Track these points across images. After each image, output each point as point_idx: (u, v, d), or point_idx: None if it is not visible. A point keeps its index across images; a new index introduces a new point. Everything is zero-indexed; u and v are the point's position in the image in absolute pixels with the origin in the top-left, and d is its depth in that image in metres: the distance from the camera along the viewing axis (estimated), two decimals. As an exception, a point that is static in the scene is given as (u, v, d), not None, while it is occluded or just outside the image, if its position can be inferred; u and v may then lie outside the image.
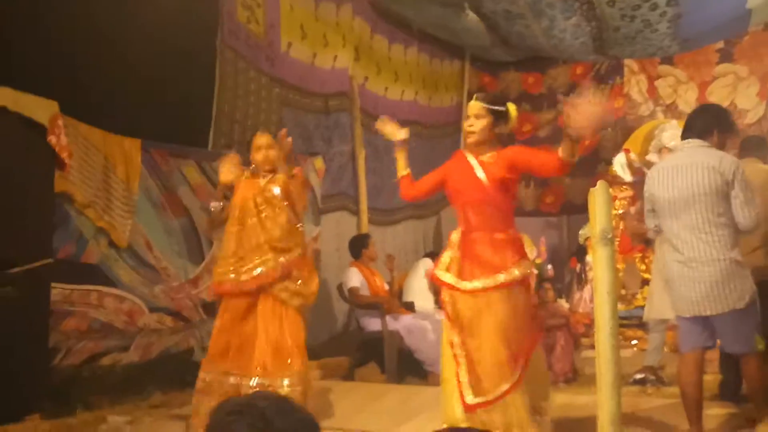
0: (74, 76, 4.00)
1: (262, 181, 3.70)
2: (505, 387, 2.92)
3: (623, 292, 5.96)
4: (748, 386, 3.27)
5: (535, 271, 3.86)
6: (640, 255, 6.04)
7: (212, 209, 3.77)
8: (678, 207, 3.13)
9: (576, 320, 5.51)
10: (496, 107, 3.15)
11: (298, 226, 3.72)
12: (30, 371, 3.68)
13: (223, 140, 5.19)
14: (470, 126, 3.13)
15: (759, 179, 3.57)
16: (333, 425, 3.68)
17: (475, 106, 3.15)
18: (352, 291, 5.47)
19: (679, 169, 3.16)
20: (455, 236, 3.20)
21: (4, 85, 3.62)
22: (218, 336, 3.62)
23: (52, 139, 3.82)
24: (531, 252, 6.47)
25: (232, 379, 3.52)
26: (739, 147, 4.12)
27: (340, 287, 5.68)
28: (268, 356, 3.48)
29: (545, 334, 4.68)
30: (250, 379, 3.50)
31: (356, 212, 6.67)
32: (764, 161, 4.00)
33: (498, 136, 3.19)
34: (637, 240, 5.87)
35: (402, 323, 5.29)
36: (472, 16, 6.98)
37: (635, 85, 7.95)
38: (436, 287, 4.93)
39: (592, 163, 7.74)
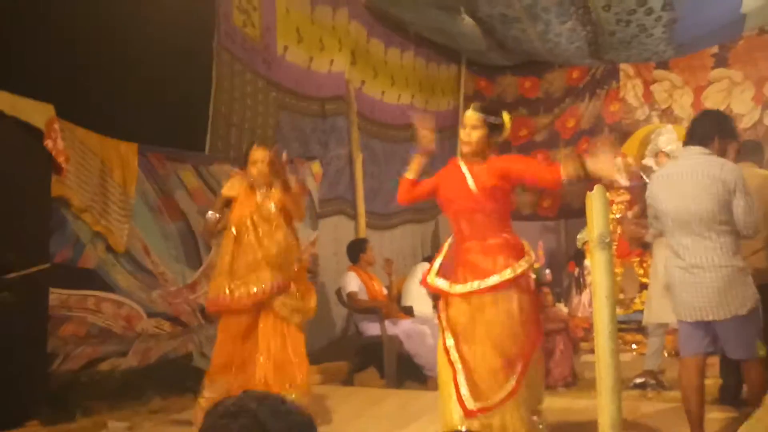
0: (71, 80, 3.99)
1: (258, 198, 3.69)
2: (503, 394, 2.92)
3: (622, 296, 5.97)
4: (749, 391, 3.28)
5: (533, 275, 3.86)
6: (638, 259, 6.05)
7: (207, 219, 3.76)
8: (680, 214, 3.13)
9: (575, 324, 5.52)
10: (493, 118, 3.15)
11: (294, 243, 3.71)
12: (28, 377, 3.66)
13: (219, 144, 5.18)
14: (467, 136, 3.14)
15: (754, 183, 3.58)
16: (332, 430, 3.67)
17: (472, 117, 3.15)
18: (351, 295, 5.45)
19: (681, 176, 3.17)
20: (448, 244, 3.20)
21: (1, 89, 3.60)
22: (219, 354, 3.62)
23: (48, 143, 3.81)
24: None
25: None
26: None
27: (338, 292, 5.67)
28: (270, 372, 3.48)
29: (544, 339, 4.67)
30: None
31: (354, 216, 6.66)
32: (760, 165, 4.02)
33: (493, 145, 3.19)
34: (635, 244, 5.89)
35: (401, 328, 5.28)
36: (468, 20, 6.98)
37: (631, 90, 7.97)
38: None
39: (589, 168, 7.74)
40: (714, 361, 3.92)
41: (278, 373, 3.49)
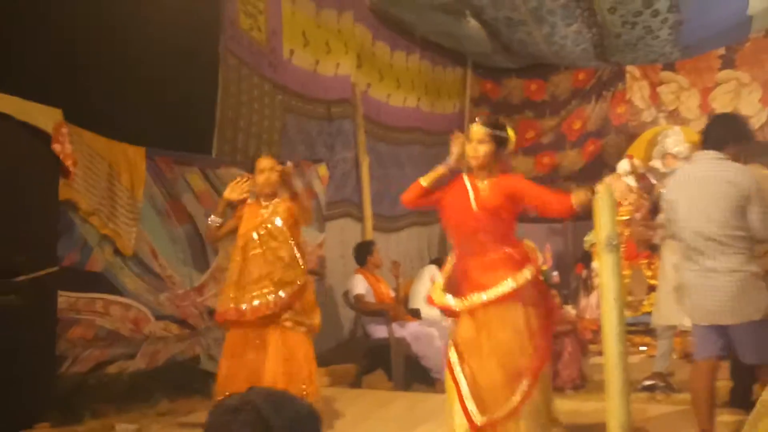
0: (78, 85, 4.01)
1: (264, 212, 3.70)
2: (509, 408, 2.90)
3: (630, 298, 5.94)
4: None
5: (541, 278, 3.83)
6: (646, 261, 6.03)
7: (209, 224, 3.77)
8: (695, 219, 3.13)
9: (583, 326, 5.49)
10: (499, 132, 3.13)
11: (300, 260, 3.71)
12: (37, 379, 3.67)
13: (226, 147, 5.19)
14: (474, 151, 3.12)
15: (765, 185, 3.57)
16: (340, 433, 3.67)
17: (478, 131, 3.13)
18: (358, 298, 5.45)
19: (696, 181, 3.18)
20: (450, 263, 3.18)
21: (9, 93, 3.63)
22: (225, 366, 3.62)
23: (56, 146, 3.83)
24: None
25: None
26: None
27: (345, 294, 5.66)
28: (280, 383, 3.47)
29: (553, 341, 4.66)
30: None
31: (360, 219, 6.67)
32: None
33: (499, 160, 3.17)
34: (643, 246, 5.87)
35: (408, 330, 5.27)
36: (473, 23, 6.99)
37: (637, 92, 7.96)
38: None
39: (596, 170, 7.73)
40: (724, 363, 3.90)
41: (287, 381, 3.48)
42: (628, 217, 6.12)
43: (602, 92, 8.18)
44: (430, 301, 3.30)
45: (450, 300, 3.10)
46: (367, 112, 6.83)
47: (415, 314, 5.72)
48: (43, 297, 3.76)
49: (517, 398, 2.90)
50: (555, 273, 6.87)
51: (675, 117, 7.62)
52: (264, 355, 3.55)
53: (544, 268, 6.79)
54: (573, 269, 7.07)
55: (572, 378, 4.79)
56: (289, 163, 3.79)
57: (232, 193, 3.70)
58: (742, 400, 3.83)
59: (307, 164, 5.83)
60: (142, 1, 4.39)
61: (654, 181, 6.37)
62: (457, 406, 2.98)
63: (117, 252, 4.22)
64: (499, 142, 3.13)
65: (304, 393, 3.50)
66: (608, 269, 3.01)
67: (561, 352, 4.79)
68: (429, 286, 5.97)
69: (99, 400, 4.07)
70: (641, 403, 4.12)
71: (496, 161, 3.14)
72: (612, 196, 2.96)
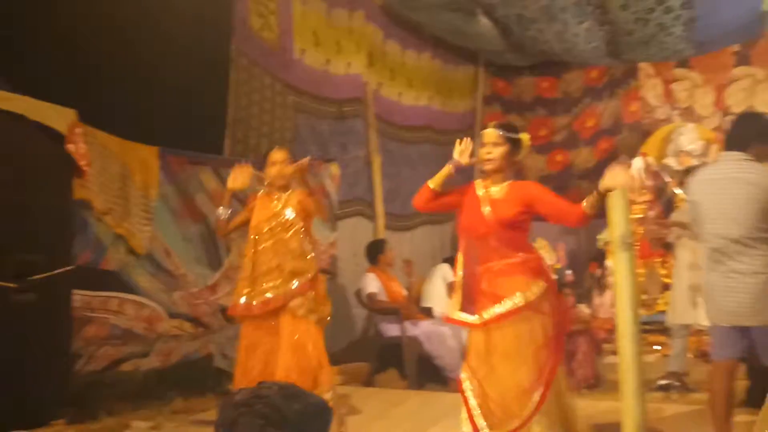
0: (92, 85, 4.04)
1: (276, 204, 3.70)
2: (518, 422, 2.87)
3: (644, 297, 5.90)
4: None
5: (554, 277, 3.81)
6: (660, 260, 5.99)
7: (218, 215, 3.76)
8: (719, 220, 3.11)
9: (597, 326, 5.47)
10: (513, 134, 3.11)
11: (310, 251, 3.71)
12: (53, 377, 3.71)
13: (238, 147, 5.21)
14: (488, 153, 3.07)
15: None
16: (354, 431, 3.66)
17: (491, 134, 3.09)
18: (370, 297, 5.46)
19: (721, 182, 3.15)
20: (460, 271, 3.13)
21: (24, 94, 3.66)
22: (241, 360, 3.63)
23: (70, 147, 3.86)
24: (550, 257, 6.43)
25: None
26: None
27: (358, 293, 5.67)
28: (293, 373, 3.47)
29: (567, 340, 4.63)
30: None
31: (372, 218, 6.67)
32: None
33: (513, 164, 3.14)
34: (657, 244, 5.83)
35: (421, 329, 5.27)
36: (484, 21, 6.97)
37: (651, 89, 7.89)
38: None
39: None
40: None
41: (302, 373, 3.49)
42: (641, 216, 6.08)
43: (615, 90, 8.12)
44: (446, 320, 3.27)
45: (465, 317, 3.06)
46: (379, 111, 6.83)
47: (428, 313, 5.72)
48: (58, 296, 3.80)
49: (528, 410, 2.87)
50: (568, 271, 6.85)
51: (689, 114, 7.55)
52: (278, 344, 3.56)
53: (557, 266, 6.80)
54: (586, 268, 7.03)
55: (586, 377, 4.77)
56: (305, 159, 3.78)
57: (235, 182, 3.68)
58: (759, 400, 3.79)
59: (319, 163, 5.84)
60: (153, 2, 4.41)
61: (667, 179, 6.34)
62: (464, 414, 2.96)
63: (131, 251, 4.25)
64: (513, 144, 3.10)
65: (318, 382, 3.49)
66: (622, 268, 2.98)
67: (575, 351, 4.77)
68: (441, 285, 6.01)
69: (114, 397, 4.10)
70: (656, 402, 4.10)
71: (510, 165, 3.11)
72: (626, 195, 2.93)
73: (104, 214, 4.11)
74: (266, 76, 5.49)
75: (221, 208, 3.72)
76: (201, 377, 4.56)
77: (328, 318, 3.76)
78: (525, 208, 3.00)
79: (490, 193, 3.06)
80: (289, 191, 3.73)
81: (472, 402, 2.93)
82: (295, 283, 3.58)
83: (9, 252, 3.58)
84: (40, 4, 3.87)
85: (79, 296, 3.91)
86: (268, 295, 3.57)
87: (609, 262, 5.90)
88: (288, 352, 3.53)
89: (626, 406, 2.91)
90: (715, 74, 7.48)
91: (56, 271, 3.72)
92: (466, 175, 3.39)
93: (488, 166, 3.08)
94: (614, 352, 3.94)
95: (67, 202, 3.92)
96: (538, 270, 3.03)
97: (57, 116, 3.82)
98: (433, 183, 3.15)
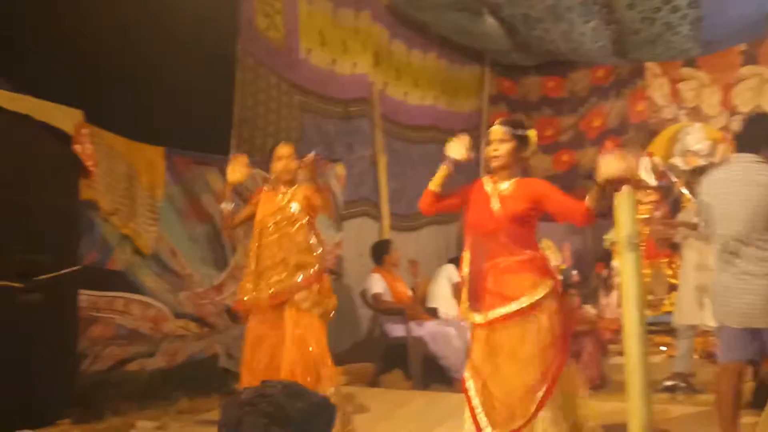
0: (98, 86, 4.05)
1: (281, 199, 3.70)
2: (521, 421, 2.86)
3: (650, 297, 5.88)
4: None
5: (560, 277, 3.79)
6: (666, 260, 5.97)
7: (223, 210, 3.76)
8: (730, 221, 3.10)
9: (603, 326, 5.45)
10: (519, 131, 3.09)
11: (316, 245, 3.71)
12: (59, 377, 3.72)
13: (244, 147, 5.20)
14: (495, 150, 3.06)
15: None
16: (359, 431, 3.66)
17: (498, 131, 3.08)
18: (376, 297, 5.46)
19: (732, 184, 3.14)
20: (466, 268, 3.13)
21: (30, 94, 3.67)
22: (247, 355, 3.63)
23: (77, 147, 3.88)
24: (555, 258, 6.41)
25: None
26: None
27: (363, 293, 5.67)
28: (298, 366, 3.47)
29: (572, 341, 4.61)
30: None
31: (378, 218, 6.67)
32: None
33: (521, 161, 3.12)
34: (663, 245, 5.81)
35: (426, 329, 5.27)
36: (490, 20, 6.96)
37: (657, 89, 7.86)
38: (459, 293, 4.89)
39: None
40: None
41: (305, 365, 3.49)
42: (648, 216, 6.06)
43: (621, 89, 8.09)
44: (460, 317, 3.27)
45: (476, 318, 3.06)
46: (385, 110, 6.83)
47: (433, 313, 5.72)
48: (64, 296, 3.82)
49: (532, 409, 2.86)
50: (574, 272, 6.83)
51: (696, 114, 7.51)
52: (283, 338, 3.56)
53: (563, 267, 6.78)
54: (592, 268, 7.02)
55: (592, 378, 4.74)
56: (310, 155, 3.76)
57: (233, 175, 3.68)
58: (765, 401, 3.77)
59: (325, 163, 5.84)
60: (159, 2, 4.42)
61: (674, 179, 6.31)
62: (467, 413, 2.95)
63: (137, 251, 4.27)
64: (520, 141, 3.09)
65: (321, 377, 3.49)
66: (629, 268, 2.98)
67: (580, 352, 4.75)
68: (446, 286, 6.00)
69: (119, 397, 4.11)
70: (662, 403, 4.07)
71: (517, 161, 3.10)
72: (633, 196, 2.92)
73: (110, 215, 4.12)
74: (272, 76, 5.50)
75: (224, 202, 3.73)
76: (206, 377, 4.57)
77: (333, 312, 3.75)
78: (533, 204, 2.97)
79: (499, 189, 3.05)
80: (295, 186, 3.72)
81: (475, 401, 2.92)
82: (300, 277, 3.58)
83: (15, 252, 3.60)
84: (46, 6, 3.88)
85: (86, 296, 3.93)
86: (273, 289, 3.57)
87: (615, 263, 5.88)
88: (292, 345, 3.53)
89: (632, 407, 2.91)
90: (722, 74, 7.44)
91: (62, 271, 3.74)
92: (471, 175, 3.38)
93: (495, 163, 3.07)
94: (620, 353, 3.94)
95: (74, 203, 3.94)
96: (544, 269, 3.02)
97: (63, 117, 3.84)
98: (433, 185, 3.15)
